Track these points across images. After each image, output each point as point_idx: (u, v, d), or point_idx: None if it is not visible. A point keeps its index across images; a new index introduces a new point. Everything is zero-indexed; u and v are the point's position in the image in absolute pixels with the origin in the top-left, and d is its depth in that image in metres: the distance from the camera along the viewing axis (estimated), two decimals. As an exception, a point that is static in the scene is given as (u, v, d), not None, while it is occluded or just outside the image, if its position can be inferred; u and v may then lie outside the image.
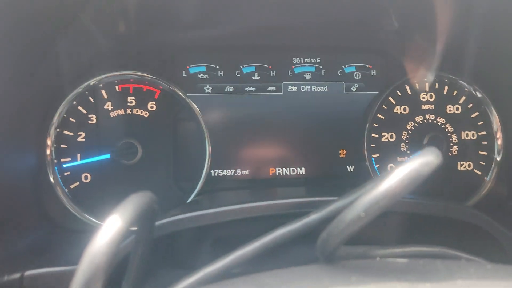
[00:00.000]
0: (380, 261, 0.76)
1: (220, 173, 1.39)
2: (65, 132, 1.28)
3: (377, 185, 0.64)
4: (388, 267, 0.71)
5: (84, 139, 1.30)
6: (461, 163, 1.43)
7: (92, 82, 1.29)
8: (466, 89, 1.44)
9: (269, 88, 1.42)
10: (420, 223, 1.13)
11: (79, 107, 1.30)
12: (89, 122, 1.30)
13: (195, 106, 1.35)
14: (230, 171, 1.39)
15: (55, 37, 1.07)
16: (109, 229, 0.59)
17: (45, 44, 1.06)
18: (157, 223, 0.90)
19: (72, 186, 1.29)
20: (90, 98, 1.30)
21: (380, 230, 1.15)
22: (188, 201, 1.32)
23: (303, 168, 1.42)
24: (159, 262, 1.05)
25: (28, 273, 0.94)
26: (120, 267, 0.80)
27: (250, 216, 0.96)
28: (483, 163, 1.43)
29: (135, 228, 0.81)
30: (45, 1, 0.93)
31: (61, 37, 1.09)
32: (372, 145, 1.41)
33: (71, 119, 1.29)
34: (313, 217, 0.82)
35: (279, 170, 1.42)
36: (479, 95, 1.43)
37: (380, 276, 0.62)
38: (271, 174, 1.41)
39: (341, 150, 1.44)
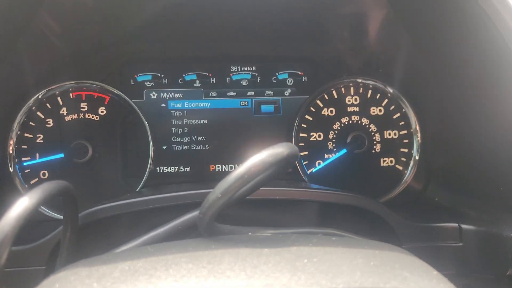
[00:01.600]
0: (250, 235, 0.90)
1: (165, 170, 1.56)
2: (25, 134, 1.46)
3: (233, 172, 0.81)
4: (248, 240, 0.85)
5: (42, 141, 1.47)
6: (384, 159, 1.59)
7: (49, 90, 1.47)
8: (388, 93, 1.59)
9: (209, 94, 1.59)
10: (334, 213, 1.28)
11: (38, 113, 1.48)
12: (47, 125, 1.48)
13: (140, 110, 1.52)
14: (173, 168, 1.57)
15: (13, 44, 1.24)
16: (16, 208, 0.76)
17: (4, 51, 1.24)
18: (80, 214, 1.07)
19: (32, 182, 1.47)
20: (48, 105, 1.48)
21: (297, 219, 1.31)
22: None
23: (240, 165, 1.58)
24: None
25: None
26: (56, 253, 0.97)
27: (161, 205, 1.11)
28: (404, 159, 1.59)
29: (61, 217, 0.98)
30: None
31: (19, 44, 1.26)
32: (301, 144, 1.57)
33: (30, 123, 1.47)
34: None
35: (218, 166, 1.58)
36: (399, 97, 1.58)
37: (233, 245, 0.76)
38: (211, 170, 1.58)
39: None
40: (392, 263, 0.68)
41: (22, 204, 0.75)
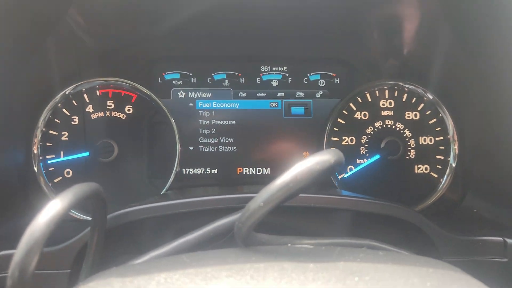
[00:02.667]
0: (290, 247, 0.86)
1: (191, 172, 1.52)
2: (50, 131, 1.43)
3: (277, 180, 0.76)
4: (289, 252, 0.80)
5: (67, 138, 1.44)
6: (418, 166, 1.52)
7: (75, 86, 1.44)
8: (425, 98, 1.52)
9: (239, 94, 1.54)
10: (368, 222, 1.22)
11: (64, 109, 1.44)
12: (72, 123, 1.45)
13: (168, 109, 1.48)
14: (200, 169, 1.52)
15: (42, 41, 1.22)
16: (47, 212, 0.73)
17: (33, 51, 1.21)
18: (109, 216, 1.03)
19: (56, 180, 1.43)
20: (74, 101, 1.45)
21: (330, 227, 1.26)
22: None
23: (268, 168, 1.54)
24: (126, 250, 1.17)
25: (2, 253, 1.08)
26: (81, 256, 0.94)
27: (197, 209, 1.07)
28: (440, 167, 1.52)
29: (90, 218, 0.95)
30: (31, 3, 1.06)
31: (47, 42, 1.23)
32: (332, 148, 1.51)
33: (56, 120, 1.44)
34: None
35: (246, 169, 1.53)
36: (436, 102, 1.51)
37: (275, 257, 0.71)
38: (238, 173, 1.53)
39: (305, 152, 1.54)
40: (449, 284, 0.63)
41: (53, 208, 0.72)
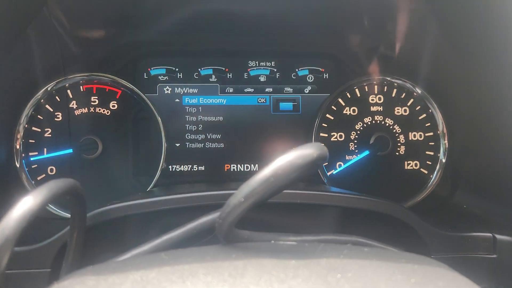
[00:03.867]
0: (272, 244, 0.83)
1: (178, 168, 1.49)
2: (33, 128, 1.40)
3: (257, 174, 0.73)
4: (271, 249, 0.78)
5: (50, 135, 1.41)
6: (408, 162, 1.50)
7: (58, 82, 1.41)
8: (414, 93, 1.51)
9: (226, 90, 1.51)
10: (357, 219, 1.21)
11: (47, 106, 1.41)
12: (55, 119, 1.42)
13: (153, 105, 1.45)
14: (186, 166, 1.49)
15: (22, 35, 1.18)
16: (19, 208, 0.70)
17: (12, 43, 1.18)
18: (89, 214, 1.00)
19: (39, 178, 1.40)
20: (57, 97, 1.42)
21: (318, 223, 1.25)
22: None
23: (256, 165, 1.51)
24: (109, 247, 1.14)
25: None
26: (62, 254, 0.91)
27: (175, 206, 1.05)
28: (430, 163, 1.50)
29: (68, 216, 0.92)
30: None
31: (28, 36, 1.20)
32: (316, 142, 1.48)
33: (39, 116, 1.41)
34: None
35: (233, 166, 1.51)
36: (426, 98, 1.49)
37: (256, 254, 0.69)
38: (226, 169, 1.51)
39: (294, 148, 1.51)
40: (434, 281, 0.61)
41: (25, 204, 0.69)
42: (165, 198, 1.04)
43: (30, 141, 1.40)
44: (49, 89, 1.40)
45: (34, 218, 0.70)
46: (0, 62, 1.16)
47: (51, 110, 1.41)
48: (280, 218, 1.18)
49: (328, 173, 1.50)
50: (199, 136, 1.50)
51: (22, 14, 1.09)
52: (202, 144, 1.50)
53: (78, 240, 0.93)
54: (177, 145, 1.49)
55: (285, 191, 1.06)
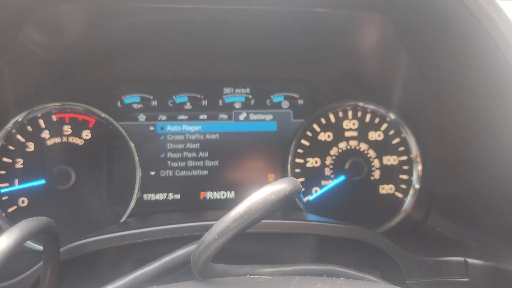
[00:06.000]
0: (248, 278, 0.83)
1: (152, 197, 1.48)
2: (3, 159, 1.37)
3: (231, 211, 0.73)
4: (247, 284, 0.77)
5: (22, 166, 1.38)
6: (383, 186, 1.52)
7: (30, 112, 1.39)
8: (387, 118, 1.53)
9: (201, 117, 1.51)
10: (334, 246, 1.21)
11: (18, 136, 1.39)
12: (27, 149, 1.39)
13: (127, 134, 1.44)
14: (162, 195, 1.48)
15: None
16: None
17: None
18: (62, 248, 0.98)
19: (9, 210, 1.37)
20: (28, 127, 1.40)
21: (295, 251, 1.25)
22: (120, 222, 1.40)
23: (233, 192, 1.51)
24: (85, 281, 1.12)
25: None
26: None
27: (152, 238, 1.04)
28: (404, 186, 1.52)
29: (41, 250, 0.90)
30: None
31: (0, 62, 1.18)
32: (297, 170, 1.49)
33: (9, 147, 1.38)
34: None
35: (209, 194, 1.50)
36: (399, 122, 1.52)
37: None
38: (202, 197, 1.50)
39: (270, 174, 1.52)
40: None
41: None
42: (141, 231, 1.03)
43: (0, 172, 1.37)
44: (20, 120, 1.38)
45: (7, 260, 0.68)
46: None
47: (23, 140, 1.39)
48: (256, 247, 1.18)
49: (305, 199, 1.50)
50: (174, 164, 1.49)
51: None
52: (178, 172, 1.49)
53: (52, 276, 0.92)
54: (152, 173, 1.47)
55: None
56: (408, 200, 1.50)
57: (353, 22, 1.23)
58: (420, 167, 1.50)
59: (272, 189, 0.73)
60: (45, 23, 1.13)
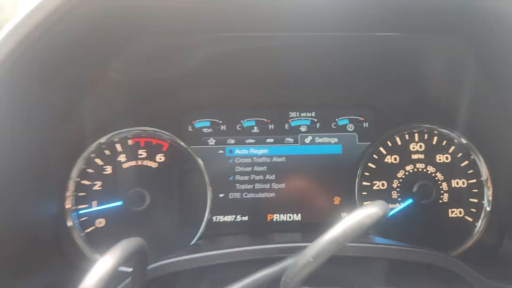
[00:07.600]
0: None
1: (221, 219, 1.51)
2: (83, 181, 1.44)
3: (325, 234, 0.75)
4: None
5: (100, 188, 1.45)
6: (452, 210, 1.49)
7: (108, 137, 1.46)
8: (455, 140, 1.51)
9: (267, 140, 1.54)
10: (405, 269, 1.20)
11: (96, 159, 1.46)
12: (104, 172, 1.46)
13: (198, 157, 1.49)
14: (230, 217, 1.51)
15: (81, 96, 1.25)
16: (98, 269, 0.73)
17: (70, 103, 1.24)
18: (149, 266, 1.03)
19: (87, 230, 1.43)
20: (106, 151, 1.47)
21: (368, 275, 1.24)
22: (191, 244, 1.44)
23: (299, 214, 1.52)
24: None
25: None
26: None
27: (233, 260, 1.06)
28: (474, 210, 1.49)
29: (130, 270, 0.95)
30: (74, 62, 1.09)
31: (86, 96, 1.27)
32: (364, 193, 1.50)
33: (89, 170, 1.45)
34: (287, 262, 0.93)
35: (276, 216, 1.52)
36: (468, 145, 1.50)
37: None
38: (268, 220, 1.52)
39: (336, 197, 1.53)
40: None
41: (103, 266, 0.72)
42: (223, 252, 1.06)
43: (79, 194, 1.44)
44: (99, 143, 1.45)
45: (111, 279, 0.72)
46: (58, 124, 1.22)
47: (101, 163, 1.46)
48: (327, 270, 1.19)
49: (372, 222, 1.49)
50: (242, 186, 1.52)
51: (88, 79, 1.16)
52: (245, 194, 1.52)
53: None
54: (221, 196, 1.51)
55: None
56: (480, 224, 1.47)
57: (425, 46, 1.24)
58: (490, 191, 1.47)
59: (366, 213, 0.74)
60: (131, 57, 1.20)
